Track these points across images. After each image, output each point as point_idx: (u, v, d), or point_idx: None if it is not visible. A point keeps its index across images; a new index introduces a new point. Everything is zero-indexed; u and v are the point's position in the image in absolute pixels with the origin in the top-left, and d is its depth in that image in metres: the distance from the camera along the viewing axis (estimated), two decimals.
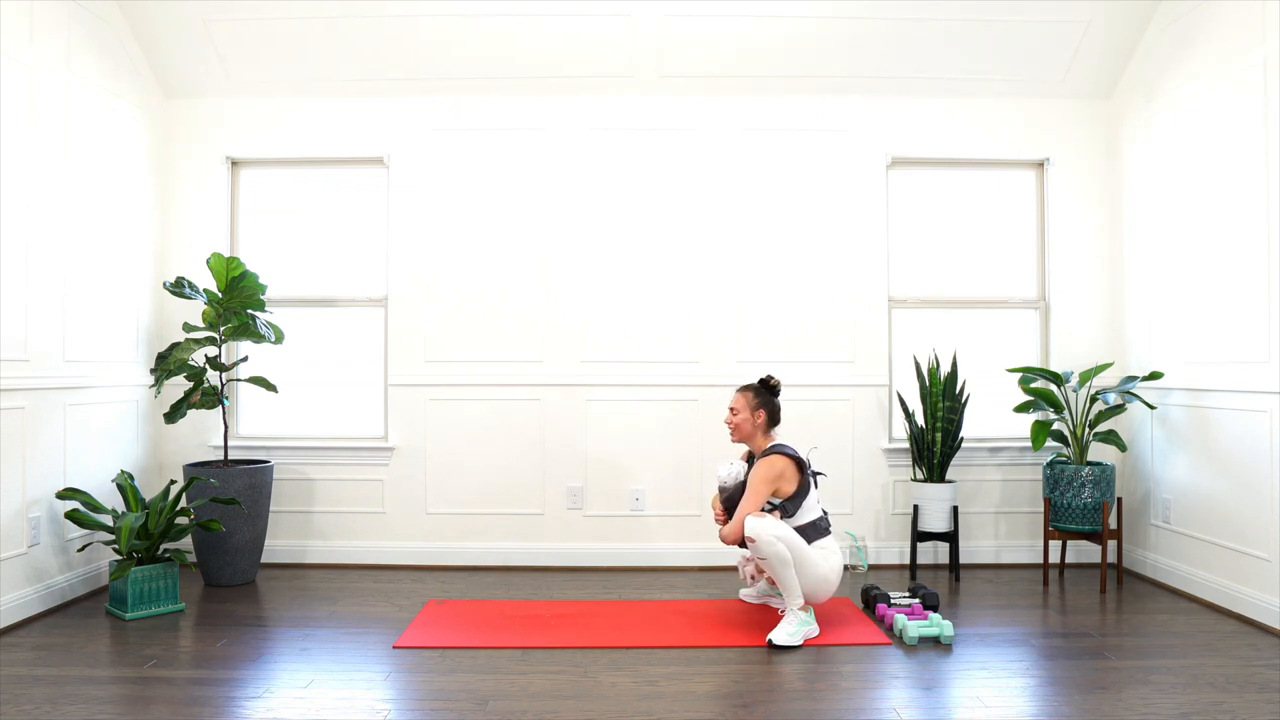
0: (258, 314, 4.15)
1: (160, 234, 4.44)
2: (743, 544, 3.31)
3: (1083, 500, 3.93)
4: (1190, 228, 3.87)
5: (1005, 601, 3.78)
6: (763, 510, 3.28)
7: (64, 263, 3.72)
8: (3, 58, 3.35)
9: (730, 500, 3.44)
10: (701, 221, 4.48)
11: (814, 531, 3.30)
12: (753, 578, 3.60)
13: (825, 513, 3.38)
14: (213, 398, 4.01)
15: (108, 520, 3.93)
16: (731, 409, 3.48)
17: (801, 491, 3.30)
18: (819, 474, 3.53)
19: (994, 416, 4.55)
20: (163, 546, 3.90)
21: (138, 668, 2.92)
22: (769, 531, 3.13)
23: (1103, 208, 4.50)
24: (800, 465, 3.31)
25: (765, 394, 3.46)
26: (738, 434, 3.47)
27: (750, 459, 3.53)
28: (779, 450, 3.32)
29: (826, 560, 3.26)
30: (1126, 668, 2.94)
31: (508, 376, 4.44)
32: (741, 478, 3.44)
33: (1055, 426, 4.33)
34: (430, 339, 4.46)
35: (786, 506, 3.30)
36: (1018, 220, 4.59)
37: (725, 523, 3.44)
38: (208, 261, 3.92)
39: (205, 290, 3.99)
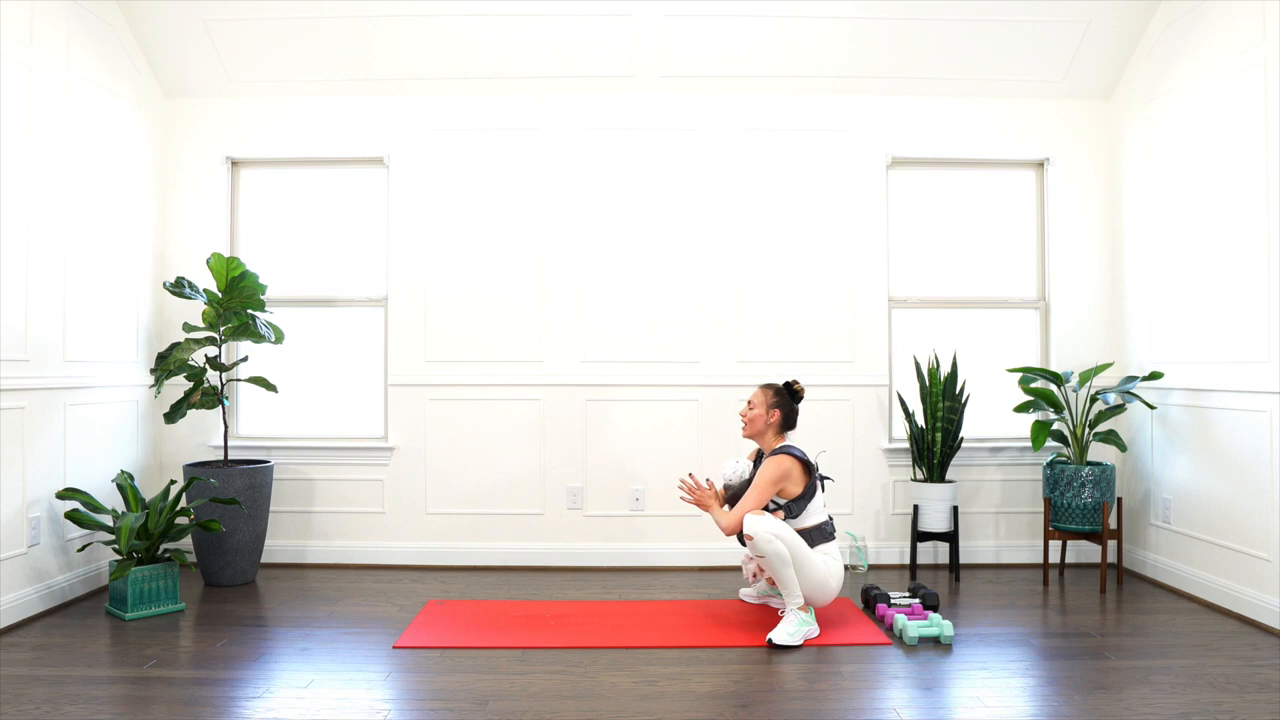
0: (258, 314, 4.15)
1: (160, 234, 4.44)
2: (741, 538, 3.31)
3: (1083, 500, 3.93)
4: (1190, 228, 3.87)
5: (1005, 601, 3.78)
6: (765, 510, 3.28)
7: (64, 263, 3.72)
8: (3, 58, 3.35)
9: (734, 498, 3.44)
10: (702, 221, 4.48)
11: (818, 535, 3.29)
12: (754, 576, 3.60)
13: (831, 518, 3.38)
14: (213, 398, 4.01)
15: (108, 520, 3.93)
16: (749, 402, 3.49)
17: (807, 494, 3.30)
18: (826, 478, 3.53)
19: (994, 416, 4.55)
20: (163, 546, 3.90)
21: (138, 668, 2.92)
22: (767, 530, 3.13)
23: (1103, 208, 4.50)
24: (808, 468, 3.31)
25: (786, 396, 3.46)
26: (750, 428, 3.46)
27: (758, 459, 3.54)
28: (787, 451, 3.32)
29: (827, 564, 3.26)
30: (1126, 668, 2.94)
31: (508, 376, 4.44)
32: (747, 476, 3.44)
33: (1055, 426, 4.33)
34: (430, 339, 4.46)
35: (791, 508, 3.29)
36: (1018, 220, 4.59)
37: (693, 490, 3.41)
38: (208, 261, 3.92)
39: (205, 290, 3.99)
